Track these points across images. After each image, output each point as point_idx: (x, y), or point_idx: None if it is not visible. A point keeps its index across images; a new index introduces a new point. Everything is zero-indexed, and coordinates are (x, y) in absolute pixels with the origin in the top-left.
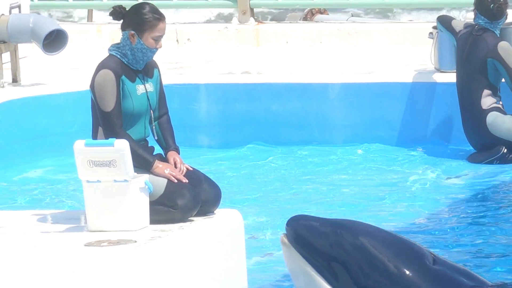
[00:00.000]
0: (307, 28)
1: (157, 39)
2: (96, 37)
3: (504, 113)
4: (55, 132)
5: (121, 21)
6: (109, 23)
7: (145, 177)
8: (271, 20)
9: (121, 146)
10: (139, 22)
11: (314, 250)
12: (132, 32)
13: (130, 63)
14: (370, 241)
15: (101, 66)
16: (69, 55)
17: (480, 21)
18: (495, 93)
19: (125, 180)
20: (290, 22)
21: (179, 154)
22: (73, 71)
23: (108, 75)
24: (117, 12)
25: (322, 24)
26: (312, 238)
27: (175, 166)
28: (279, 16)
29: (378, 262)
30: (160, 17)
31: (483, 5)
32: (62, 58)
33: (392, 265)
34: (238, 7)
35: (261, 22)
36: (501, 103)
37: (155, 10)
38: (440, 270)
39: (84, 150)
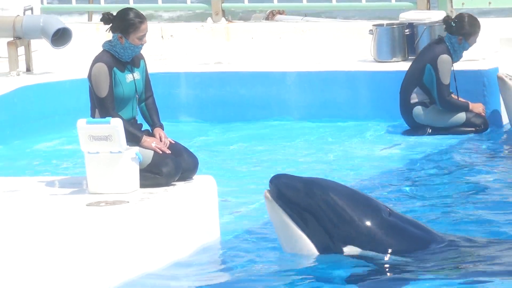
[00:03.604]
0: (269, 26)
1: (141, 38)
2: (95, 34)
3: (428, 106)
4: (62, 112)
5: (110, 24)
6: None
7: (136, 149)
8: (239, 19)
9: (116, 123)
10: (125, 26)
11: (290, 203)
12: (120, 35)
13: (120, 57)
14: (336, 195)
15: (96, 60)
16: (73, 49)
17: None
18: (426, 92)
19: (119, 152)
20: (255, 21)
21: (163, 130)
22: (76, 62)
23: (102, 67)
24: (106, 18)
25: (281, 23)
26: (290, 193)
27: (160, 140)
28: (246, 16)
29: (342, 213)
30: (142, 20)
31: (452, 17)
32: (67, 51)
33: (353, 216)
34: (212, 9)
35: (231, 21)
36: (428, 100)
37: (137, 15)
38: (394, 221)
39: (86, 127)
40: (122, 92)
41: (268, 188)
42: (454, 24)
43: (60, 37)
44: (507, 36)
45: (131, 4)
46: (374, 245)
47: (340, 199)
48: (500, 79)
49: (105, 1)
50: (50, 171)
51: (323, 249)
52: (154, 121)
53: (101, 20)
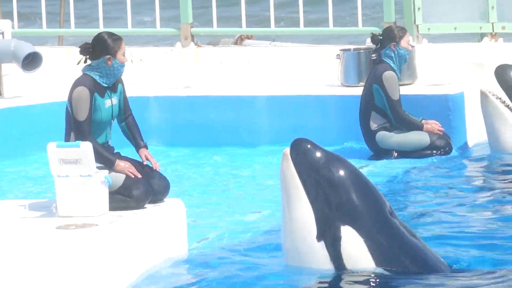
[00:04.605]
0: (237, 51)
1: (124, 53)
2: (65, 59)
3: (390, 130)
4: (32, 136)
5: (87, 56)
6: (76, 47)
7: (105, 172)
8: (208, 44)
9: (86, 147)
10: (109, 47)
11: (307, 168)
12: (108, 56)
13: (104, 81)
14: (352, 176)
15: (77, 83)
16: (43, 73)
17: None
18: (383, 115)
19: (89, 175)
20: (224, 46)
21: (147, 149)
22: (46, 86)
23: (83, 91)
24: (86, 48)
25: (249, 47)
26: (309, 159)
27: (147, 161)
28: (215, 41)
29: (353, 194)
30: (120, 38)
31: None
32: (38, 76)
33: (362, 202)
34: (181, 34)
35: (200, 46)
36: (388, 123)
37: (113, 34)
38: (394, 221)
39: (56, 150)
40: (100, 118)
41: (289, 147)
42: (381, 37)
43: (31, 61)
44: (473, 61)
45: (101, 29)
46: (371, 235)
47: (354, 181)
48: (483, 94)
49: (76, 26)
50: (20, 194)
51: (320, 220)
52: (137, 142)
53: (81, 52)
